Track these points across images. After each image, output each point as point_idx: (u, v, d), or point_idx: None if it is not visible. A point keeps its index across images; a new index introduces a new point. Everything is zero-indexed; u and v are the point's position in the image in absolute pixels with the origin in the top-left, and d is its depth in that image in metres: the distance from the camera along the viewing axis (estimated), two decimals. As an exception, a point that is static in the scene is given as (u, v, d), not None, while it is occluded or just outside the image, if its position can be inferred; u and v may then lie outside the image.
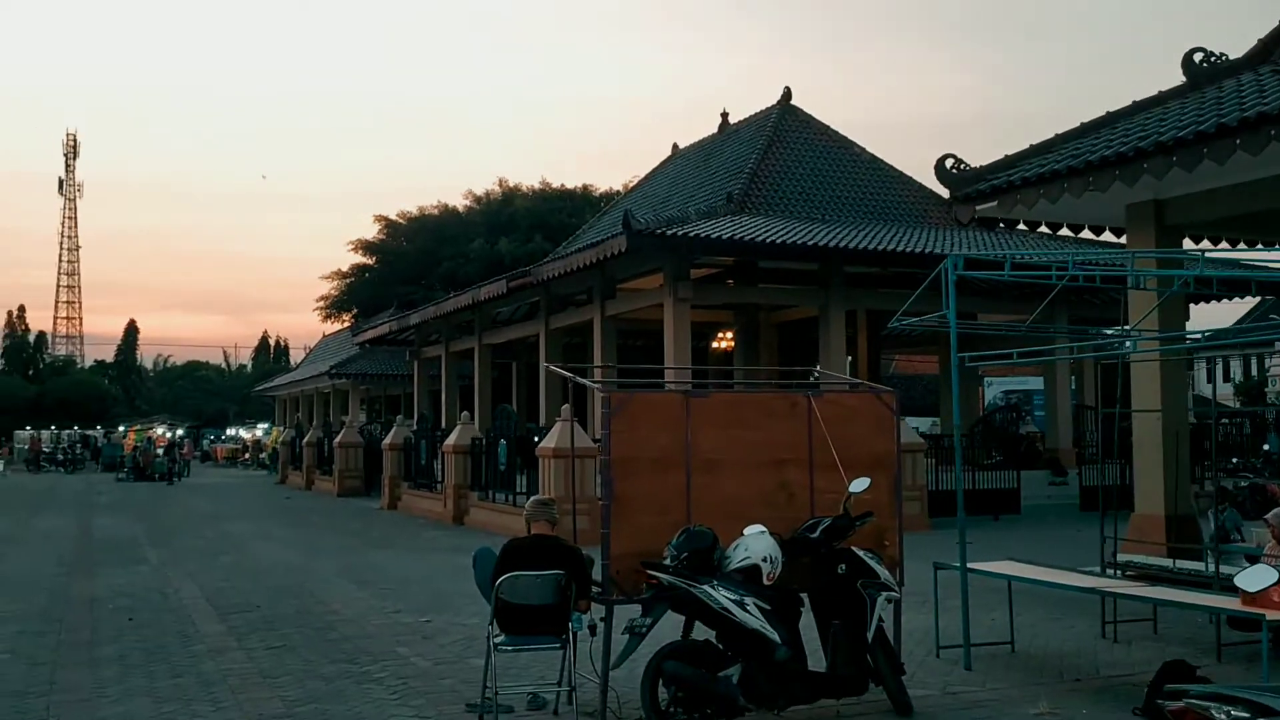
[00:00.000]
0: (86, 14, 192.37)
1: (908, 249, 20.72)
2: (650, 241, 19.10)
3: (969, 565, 7.87)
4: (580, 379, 7.40)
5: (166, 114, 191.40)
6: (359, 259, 57.95)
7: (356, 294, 57.40)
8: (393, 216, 57.97)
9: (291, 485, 37.98)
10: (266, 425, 63.69)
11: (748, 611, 5.96)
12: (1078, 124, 12.24)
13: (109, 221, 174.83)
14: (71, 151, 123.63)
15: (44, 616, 10.29)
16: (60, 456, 55.70)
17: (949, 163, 12.42)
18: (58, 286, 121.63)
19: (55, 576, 13.34)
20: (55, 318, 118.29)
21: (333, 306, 60.20)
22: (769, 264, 23.34)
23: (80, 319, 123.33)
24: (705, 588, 5.94)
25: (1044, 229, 14.45)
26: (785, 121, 27.36)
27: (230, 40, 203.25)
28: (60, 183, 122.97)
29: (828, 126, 28.10)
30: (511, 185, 59.06)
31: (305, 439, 37.45)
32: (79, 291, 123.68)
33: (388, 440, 26.84)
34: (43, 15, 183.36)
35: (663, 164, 33.61)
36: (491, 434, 20.27)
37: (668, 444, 6.54)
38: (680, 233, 19.42)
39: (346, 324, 55.02)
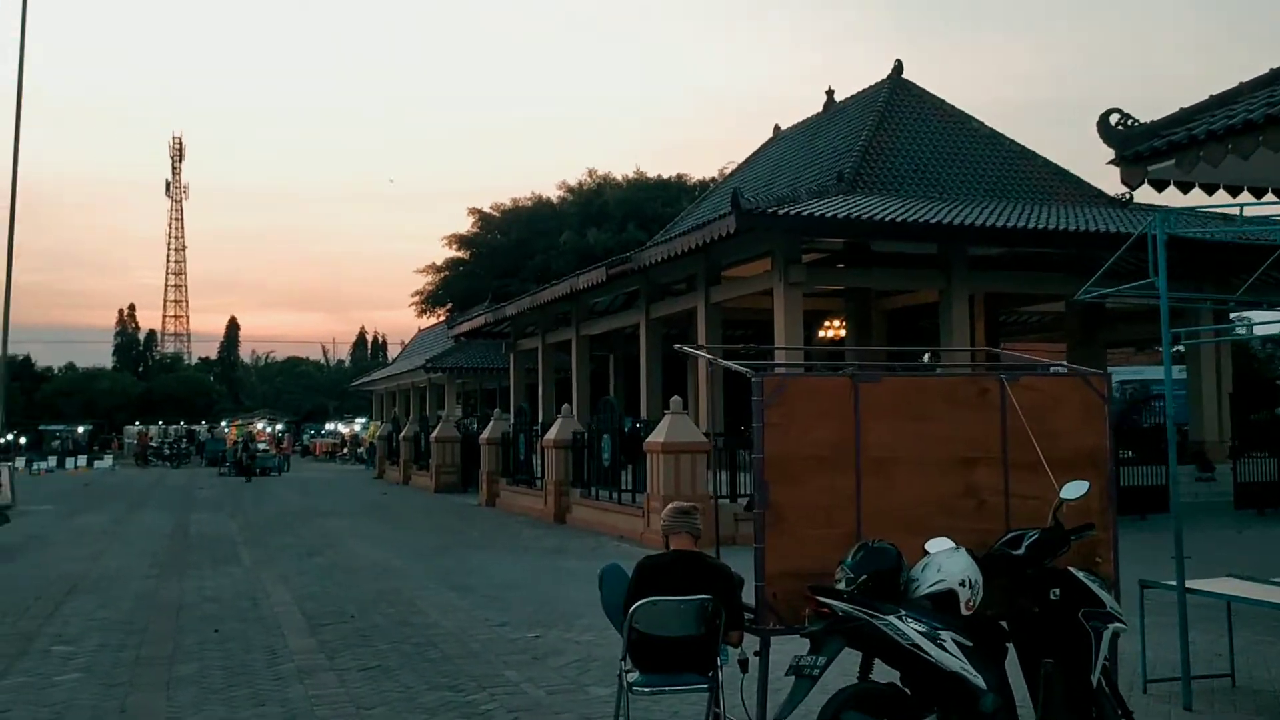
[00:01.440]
0: (193, 21, 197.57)
1: (1040, 226, 19.15)
2: (761, 221, 17.88)
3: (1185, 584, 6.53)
4: (723, 361, 6.25)
5: (269, 117, 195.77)
6: (453, 253, 57.73)
7: (451, 288, 57.17)
8: (486, 209, 57.58)
9: (388, 480, 37.68)
10: (364, 420, 64.02)
11: (945, 649, 4.76)
12: (1267, 70, 10.65)
13: (213, 222, 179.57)
14: (177, 154, 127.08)
15: (127, 626, 9.55)
16: (166, 451, 56.65)
17: (1114, 118, 10.91)
18: (165, 286, 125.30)
19: (146, 578, 12.70)
20: (164, 316, 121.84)
21: (428, 301, 60.09)
22: (882, 247, 21.90)
23: (187, 317, 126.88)
24: (891, 619, 4.76)
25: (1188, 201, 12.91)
26: (897, 97, 25.82)
27: (326, 44, 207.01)
28: (167, 185, 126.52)
29: (942, 101, 26.45)
30: (603, 175, 58.21)
31: (402, 433, 37.09)
32: (186, 291, 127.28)
33: (485, 435, 26.10)
34: (151, 23, 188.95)
35: (763, 147, 32.26)
36: (594, 428, 19.27)
37: (832, 439, 5.36)
38: (793, 212, 18.17)
39: (442, 318, 54.81)
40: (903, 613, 4.79)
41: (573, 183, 58.17)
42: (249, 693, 7.05)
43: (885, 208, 19.71)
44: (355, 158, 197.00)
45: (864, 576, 4.90)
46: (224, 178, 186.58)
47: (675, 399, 16.34)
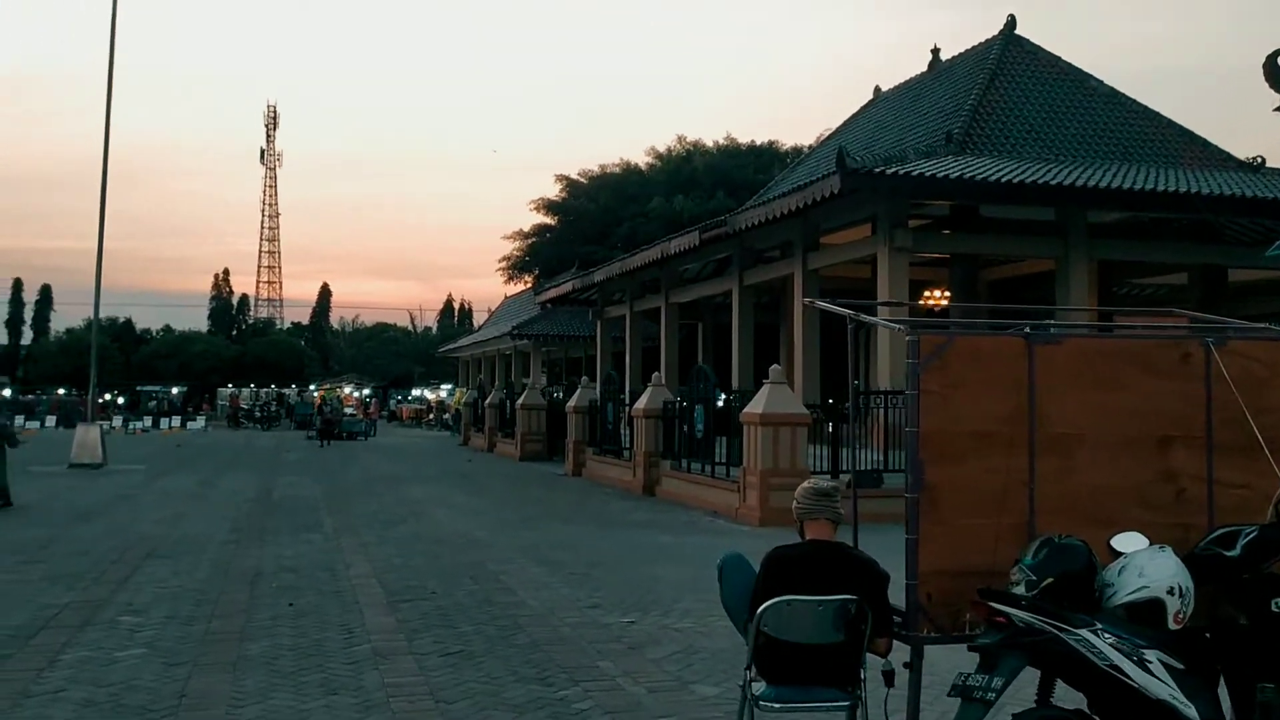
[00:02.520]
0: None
1: (1170, 189, 17.74)
2: (867, 181, 16.80)
3: None
4: (867, 316, 5.37)
5: (360, 84, 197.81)
6: (541, 219, 57.31)
7: (538, 254, 56.78)
8: (574, 175, 56.94)
9: (474, 447, 37.44)
10: (450, 386, 64.15)
11: (1150, 671, 3.85)
12: None
13: (306, 190, 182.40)
14: (272, 123, 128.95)
15: (199, 595, 9.05)
16: (257, 414, 57.45)
17: (1285, 58, 9.70)
18: (259, 252, 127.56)
19: (224, 544, 12.28)
20: (257, 282, 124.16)
21: (514, 267, 59.82)
22: (992, 211, 20.64)
23: (280, 283, 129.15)
24: (1085, 633, 3.85)
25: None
26: (1009, 53, 24.32)
27: (419, 12, 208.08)
28: (262, 153, 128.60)
29: (1058, 58, 24.87)
30: (693, 141, 57.09)
31: (487, 400, 36.76)
32: (279, 257, 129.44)
33: (572, 403, 25.48)
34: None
35: (863, 109, 30.90)
36: (686, 397, 18.45)
37: (1001, 410, 4.46)
38: (901, 171, 17.04)
39: (528, 285, 54.48)
40: (1098, 625, 3.89)
41: (661, 149, 57.25)
42: (320, 678, 6.41)
43: (999, 169, 18.46)
44: (446, 124, 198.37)
45: (1049, 579, 4.00)
46: (318, 145, 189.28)
47: (775, 368, 15.45)
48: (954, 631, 4.31)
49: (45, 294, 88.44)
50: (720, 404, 17.67)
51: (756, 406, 14.85)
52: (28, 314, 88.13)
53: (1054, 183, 17.60)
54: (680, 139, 57.07)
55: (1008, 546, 4.27)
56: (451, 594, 9.26)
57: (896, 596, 4.38)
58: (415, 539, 13.03)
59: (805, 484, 4.59)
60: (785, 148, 56.37)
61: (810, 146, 47.85)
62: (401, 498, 18.53)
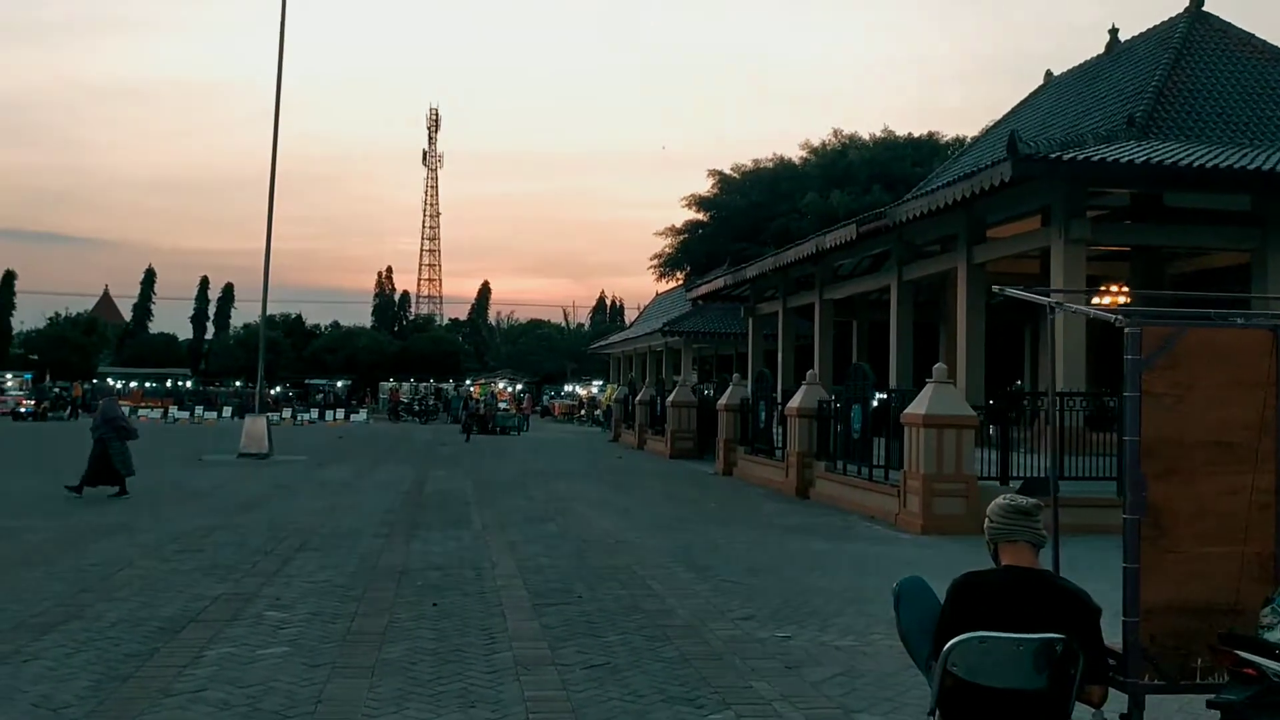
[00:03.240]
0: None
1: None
2: (1041, 168, 15.73)
3: None
4: (1081, 307, 4.71)
5: (517, 85, 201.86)
6: (692, 215, 56.96)
7: (689, 251, 56.48)
8: (727, 170, 56.36)
9: (624, 444, 37.33)
10: (601, 383, 64.51)
11: None
12: None
13: (466, 190, 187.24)
14: (433, 125, 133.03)
15: (345, 591, 8.93)
16: (416, 407, 58.96)
17: None
18: (420, 251, 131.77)
19: (374, 538, 12.26)
20: (419, 279, 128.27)
21: (666, 264, 59.69)
22: (1177, 200, 19.14)
23: (440, 280, 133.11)
24: (1362, 696, 3.14)
25: None
26: (1196, 31, 22.60)
27: (573, 12, 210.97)
28: (424, 155, 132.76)
29: (1251, 35, 22.97)
30: (848, 135, 55.72)
31: (638, 397, 36.57)
32: (439, 255, 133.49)
33: (723, 401, 24.96)
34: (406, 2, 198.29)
35: (1033, 94, 29.32)
36: (842, 396, 17.69)
37: (1243, 418, 3.75)
38: (1080, 157, 15.88)
39: (679, 282, 54.21)
40: (1380, 686, 3.16)
41: (816, 143, 56.10)
42: (458, 688, 6.09)
43: (1189, 153, 17.05)
44: (602, 122, 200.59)
45: (1313, 626, 3.29)
46: (477, 146, 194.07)
47: (939, 367, 14.56)
48: (1182, 680, 3.64)
49: (228, 291, 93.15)
50: (878, 404, 16.86)
51: (919, 407, 14.01)
52: (211, 310, 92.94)
53: (1251, 167, 16.13)
54: (836, 132, 55.83)
55: (1254, 582, 3.56)
56: (598, 598, 8.88)
57: (1110, 635, 3.71)
58: (562, 538, 12.76)
59: (1001, 500, 3.96)
60: (945, 139, 54.49)
61: (973, 138, 46.02)
62: (551, 494, 18.38)
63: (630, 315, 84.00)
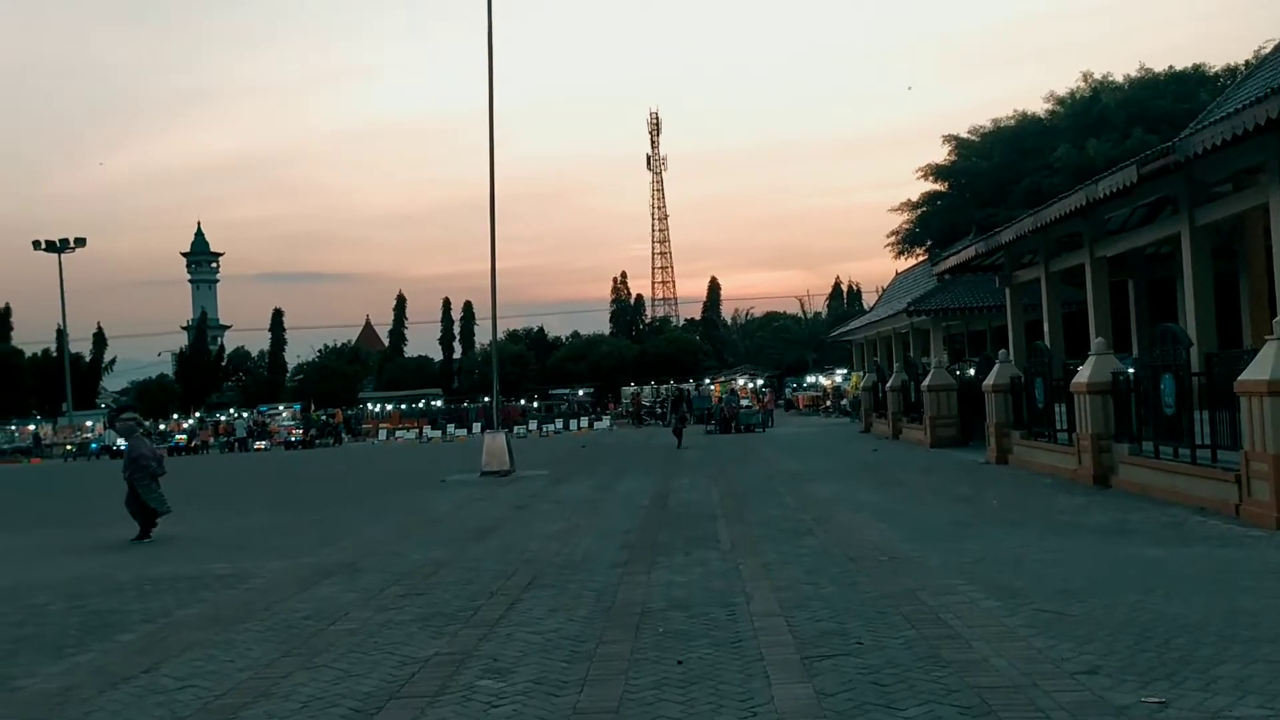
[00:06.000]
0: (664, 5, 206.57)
1: None
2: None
3: None
4: None
5: (732, 80, 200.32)
6: (929, 186, 53.57)
7: (929, 224, 53.15)
8: (964, 134, 52.62)
9: (876, 434, 34.94)
10: (845, 371, 61.79)
11: None
12: None
13: (689, 190, 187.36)
14: (655, 129, 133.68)
15: (575, 647, 7.46)
16: (658, 410, 58.35)
17: None
18: (652, 254, 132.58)
19: (612, 567, 10.85)
20: (652, 283, 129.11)
21: (904, 241, 56.53)
22: None
23: (673, 282, 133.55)
24: None
25: None
26: None
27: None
28: (647, 159, 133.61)
29: None
30: (1099, 78, 50.74)
31: (889, 384, 34.09)
32: (670, 257, 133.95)
33: (990, 381, 22.33)
34: (626, 11, 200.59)
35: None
36: (1145, 365, 14.94)
37: None
38: None
39: (920, 258, 51.01)
40: None
41: (1062, 92, 51.46)
42: (713, 809, 4.44)
43: None
44: (819, 110, 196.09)
45: None
46: (696, 145, 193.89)
47: (1280, 319, 11.73)
48: None
49: (468, 311, 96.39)
50: (1181, 373, 14.04)
51: (1260, 371, 11.26)
52: (457, 330, 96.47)
53: None
54: (1085, 76, 51.03)
55: None
56: (882, 643, 7.03)
57: None
58: (825, 555, 10.93)
59: None
60: (1214, 69, 48.62)
61: (1247, 62, 40.74)
62: (804, 498, 16.57)
63: (868, 299, 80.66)
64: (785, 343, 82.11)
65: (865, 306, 76.69)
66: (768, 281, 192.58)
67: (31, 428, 66.58)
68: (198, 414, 72.35)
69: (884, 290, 58.31)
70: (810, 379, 68.24)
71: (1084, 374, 16.64)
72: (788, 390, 70.43)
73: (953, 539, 11.60)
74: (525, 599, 9.32)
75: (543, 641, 7.64)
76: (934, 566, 9.87)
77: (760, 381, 64.98)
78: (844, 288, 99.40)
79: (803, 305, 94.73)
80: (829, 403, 57.74)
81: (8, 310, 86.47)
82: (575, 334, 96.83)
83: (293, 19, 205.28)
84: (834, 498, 16.44)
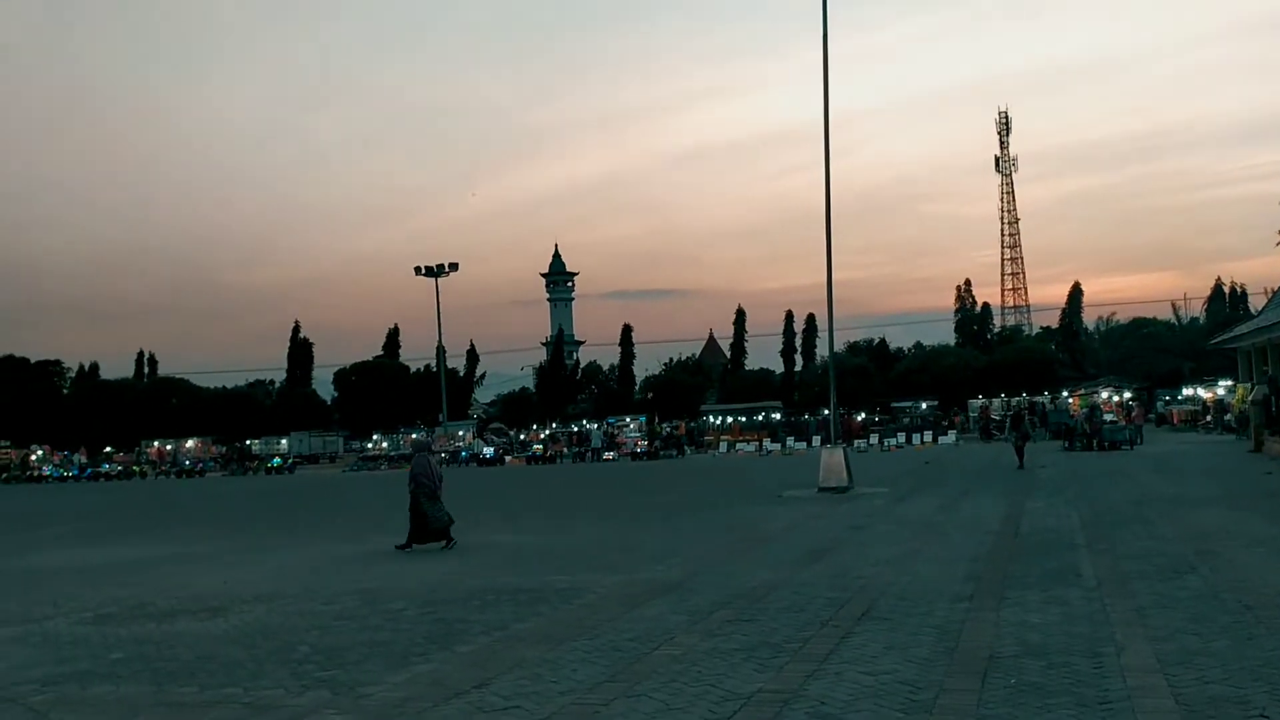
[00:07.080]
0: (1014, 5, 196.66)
1: None
2: None
3: None
4: None
5: (1081, 71, 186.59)
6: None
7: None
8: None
9: (1270, 454, 30.71)
10: (1229, 382, 55.34)
11: None
12: None
13: (1043, 191, 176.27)
14: (1004, 129, 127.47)
15: (911, 694, 6.74)
16: (1005, 425, 54.95)
17: None
18: (1001, 260, 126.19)
19: (955, 600, 9.93)
20: (1001, 290, 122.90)
21: (1301, 234, 49.63)
22: None
23: (1025, 289, 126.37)
24: None
25: None
26: None
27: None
28: (996, 161, 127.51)
29: None
30: None
31: (1284, 397, 29.89)
32: (1021, 263, 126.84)
33: None
34: (971, 13, 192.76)
35: None
36: None
37: None
38: None
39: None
40: None
41: None
42: None
43: None
44: (1190, 97, 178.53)
45: None
46: (1048, 143, 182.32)
47: None
48: None
49: (810, 323, 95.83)
50: None
51: None
52: (798, 343, 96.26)
53: None
54: None
55: None
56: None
57: None
58: (1212, 599, 9.41)
59: None
60: None
61: None
62: (1183, 528, 14.62)
63: (1256, 301, 71.88)
64: (1155, 351, 74.90)
65: (1252, 310, 68.39)
66: (1133, 285, 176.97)
67: (414, 435, 73.51)
68: (553, 425, 76.71)
69: (1276, 291, 51.57)
70: (1187, 391, 61.73)
71: None
72: (1159, 404, 64.16)
73: (1381, 587, 9.64)
74: (858, 632, 8.67)
75: (875, 684, 6.97)
76: (1358, 622, 8.17)
77: (1127, 394, 59.60)
78: (1226, 289, 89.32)
79: (1176, 310, 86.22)
80: (1209, 418, 51.89)
81: (396, 330, 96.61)
82: (918, 344, 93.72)
83: (632, 52, 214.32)
84: (1221, 529, 14.38)
